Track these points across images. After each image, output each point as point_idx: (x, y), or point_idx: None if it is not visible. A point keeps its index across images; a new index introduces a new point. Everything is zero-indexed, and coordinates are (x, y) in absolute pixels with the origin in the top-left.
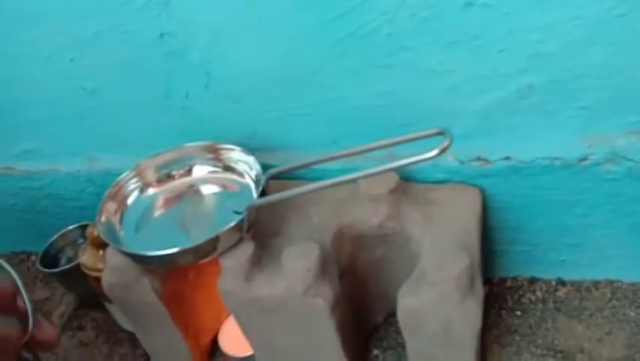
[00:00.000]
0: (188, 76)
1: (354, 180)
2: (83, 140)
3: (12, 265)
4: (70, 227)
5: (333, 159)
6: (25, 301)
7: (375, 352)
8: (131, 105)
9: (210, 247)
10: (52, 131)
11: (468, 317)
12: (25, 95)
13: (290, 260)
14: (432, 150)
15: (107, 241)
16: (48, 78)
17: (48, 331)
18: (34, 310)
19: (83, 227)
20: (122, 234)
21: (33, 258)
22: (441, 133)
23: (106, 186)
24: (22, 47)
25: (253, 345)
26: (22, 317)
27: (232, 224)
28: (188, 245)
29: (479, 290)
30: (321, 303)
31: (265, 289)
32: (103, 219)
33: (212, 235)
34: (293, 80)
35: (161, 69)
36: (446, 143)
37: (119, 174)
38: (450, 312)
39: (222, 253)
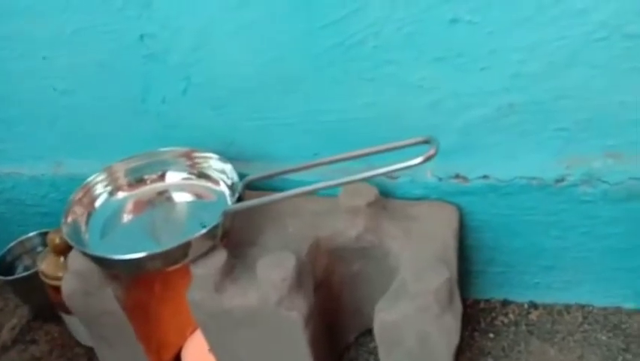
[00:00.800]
0: (167, 80)
1: (334, 187)
2: (51, 142)
3: None
4: (30, 234)
5: (313, 166)
6: None
7: None
8: (104, 108)
9: (181, 253)
10: (18, 132)
11: (446, 331)
12: None
13: (265, 269)
14: (416, 157)
15: (72, 243)
16: (19, 76)
17: None
18: None
19: (43, 235)
20: (87, 237)
21: None
22: (426, 142)
23: (70, 192)
24: None
25: (219, 360)
26: None
27: (205, 230)
28: (158, 250)
29: (458, 305)
30: (295, 316)
31: (237, 300)
32: (69, 220)
33: (183, 240)
34: (276, 88)
35: (138, 72)
36: (432, 151)
37: (85, 181)
38: (428, 326)
39: (193, 261)
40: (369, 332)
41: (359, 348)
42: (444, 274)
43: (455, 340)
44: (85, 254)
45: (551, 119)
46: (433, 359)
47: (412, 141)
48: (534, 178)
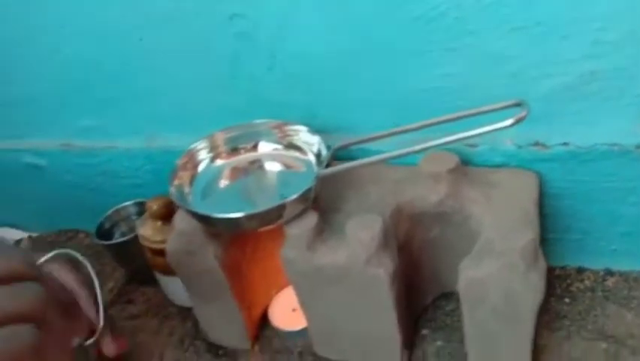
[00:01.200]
0: (254, 57)
1: (421, 151)
2: (145, 118)
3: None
4: (126, 203)
5: (400, 132)
6: (99, 300)
7: (424, 331)
8: (195, 85)
9: (276, 214)
10: (114, 109)
11: (531, 288)
12: (92, 73)
13: (354, 229)
14: (507, 119)
15: (179, 203)
16: (116, 57)
17: (109, 346)
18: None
19: (137, 204)
20: (190, 199)
21: (81, 235)
22: (518, 104)
23: (164, 163)
24: (92, 26)
25: (308, 317)
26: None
27: (299, 193)
28: (256, 210)
29: (542, 264)
30: (382, 273)
31: (327, 258)
32: (176, 182)
33: (280, 202)
34: (356, 63)
35: (228, 50)
36: (523, 113)
37: (177, 153)
38: (513, 283)
39: (287, 222)
40: (445, 295)
41: (436, 310)
42: (529, 233)
43: (540, 297)
44: (191, 213)
45: (632, 86)
46: (517, 316)
47: (502, 104)
48: (614, 144)
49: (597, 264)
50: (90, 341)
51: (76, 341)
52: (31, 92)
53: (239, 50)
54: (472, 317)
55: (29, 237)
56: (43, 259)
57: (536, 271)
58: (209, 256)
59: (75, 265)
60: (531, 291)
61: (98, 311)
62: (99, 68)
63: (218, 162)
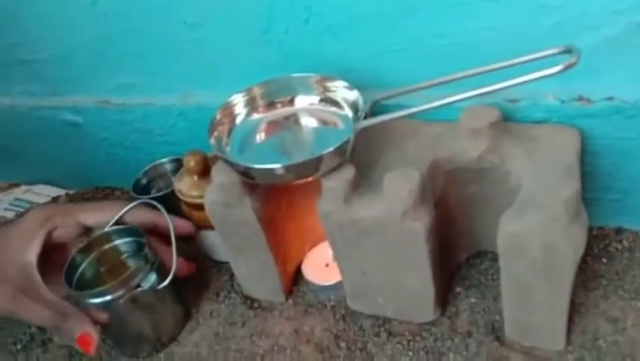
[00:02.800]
0: (289, 10)
1: (464, 100)
2: (179, 75)
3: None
4: (162, 160)
5: (440, 84)
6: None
7: (458, 289)
8: (229, 40)
9: (313, 166)
10: (149, 66)
11: (574, 241)
12: (126, 30)
13: (392, 182)
14: (554, 66)
15: (219, 154)
16: (150, 12)
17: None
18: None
19: (173, 161)
20: (228, 150)
21: (117, 193)
22: (568, 51)
23: (198, 121)
24: None
25: (343, 270)
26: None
27: (337, 145)
28: (293, 162)
29: (584, 217)
30: (418, 227)
31: (364, 211)
32: (215, 134)
33: (316, 154)
34: (393, 14)
35: (262, 3)
36: (573, 60)
37: (212, 110)
38: (555, 236)
39: (323, 175)
40: (479, 253)
41: (470, 268)
42: (572, 186)
43: (581, 251)
44: (230, 164)
45: None
46: (556, 270)
47: (551, 51)
48: None
49: (637, 225)
50: (168, 281)
51: None
52: (67, 48)
53: (273, 2)
54: (510, 270)
55: (66, 194)
56: (132, 205)
57: (579, 224)
58: (247, 208)
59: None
60: (572, 245)
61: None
62: (133, 24)
63: (255, 115)
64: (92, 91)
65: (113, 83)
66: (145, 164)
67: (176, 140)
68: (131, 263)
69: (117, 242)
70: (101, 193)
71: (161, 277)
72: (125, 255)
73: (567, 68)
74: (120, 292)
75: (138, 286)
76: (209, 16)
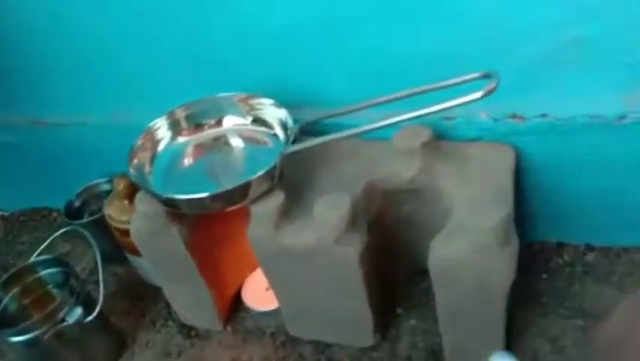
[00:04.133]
0: (221, 29)
1: (391, 125)
2: (111, 93)
3: None
4: (95, 181)
5: (369, 106)
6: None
7: (399, 310)
8: (161, 58)
9: (241, 193)
10: (80, 83)
11: (504, 267)
12: (58, 48)
13: (322, 209)
14: (476, 92)
15: (139, 184)
16: (81, 30)
17: None
18: None
19: (108, 182)
20: (151, 179)
21: (55, 214)
22: (487, 76)
23: (132, 139)
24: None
25: (279, 297)
26: None
27: (264, 171)
28: (220, 190)
29: (515, 242)
30: (351, 252)
31: (295, 238)
32: (135, 161)
33: (243, 180)
34: (327, 30)
35: (194, 21)
36: (493, 85)
37: (145, 127)
38: (485, 262)
39: (253, 201)
40: (419, 272)
41: (411, 287)
42: (502, 210)
43: (511, 277)
44: (153, 195)
45: (615, 54)
46: (488, 295)
47: (471, 76)
48: (595, 116)
49: (577, 239)
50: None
51: None
52: None
53: (205, 18)
54: (443, 296)
55: (2, 216)
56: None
57: (508, 249)
58: (174, 236)
59: None
60: (503, 271)
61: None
62: (65, 41)
63: (180, 139)
64: (25, 110)
65: (45, 100)
66: (81, 183)
67: (111, 158)
68: (58, 295)
69: (42, 273)
70: (37, 214)
71: (89, 309)
72: (51, 286)
73: (487, 93)
74: (44, 328)
75: (63, 320)
76: (138, 33)
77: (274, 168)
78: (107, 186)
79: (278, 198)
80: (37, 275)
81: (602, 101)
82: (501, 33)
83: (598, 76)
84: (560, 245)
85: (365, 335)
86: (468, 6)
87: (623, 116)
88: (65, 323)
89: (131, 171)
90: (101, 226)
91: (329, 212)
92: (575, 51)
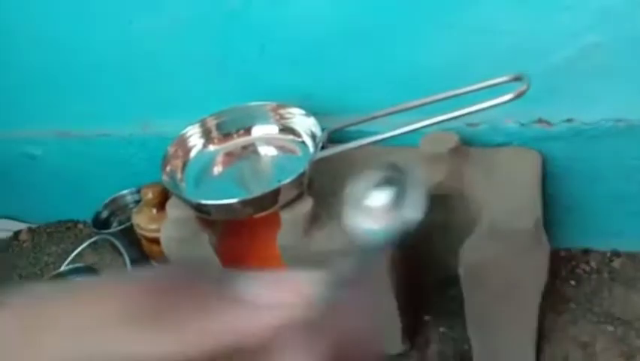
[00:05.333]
0: (245, 38)
1: (419, 129)
2: (138, 104)
3: None
4: (123, 192)
5: (397, 111)
6: None
7: (427, 318)
8: (187, 69)
9: (271, 199)
10: (108, 96)
11: (536, 270)
12: (83, 59)
13: None
14: (507, 94)
15: (172, 190)
16: (107, 42)
17: None
18: None
19: (135, 193)
20: (183, 185)
21: (80, 226)
22: (518, 78)
23: (158, 150)
24: (80, 9)
25: None
26: None
27: (293, 177)
28: (250, 196)
29: (546, 245)
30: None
31: (324, 244)
32: (168, 169)
33: (273, 187)
34: (351, 41)
35: (219, 32)
36: (524, 87)
37: (172, 139)
38: (516, 266)
39: (282, 208)
40: (448, 280)
41: (439, 295)
42: (532, 215)
43: (543, 281)
44: (184, 200)
45: (638, 58)
46: (519, 300)
47: (502, 79)
48: (620, 120)
49: (603, 245)
50: None
51: None
52: (24, 79)
53: (230, 31)
54: (473, 301)
55: (29, 228)
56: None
57: (539, 254)
58: (204, 243)
59: None
60: (534, 274)
61: None
62: (90, 53)
63: (211, 147)
64: (50, 122)
65: (70, 113)
66: (107, 196)
67: (137, 170)
68: None
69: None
70: (63, 226)
71: None
72: None
73: (518, 96)
74: None
75: None
76: (165, 45)
77: (303, 174)
78: (133, 197)
79: (307, 205)
80: None
81: (627, 104)
82: (525, 40)
83: (622, 80)
84: (586, 252)
85: (393, 343)
86: (492, 14)
87: None
88: None
89: (164, 177)
90: (129, 237)
91: None
92: (598, 56)
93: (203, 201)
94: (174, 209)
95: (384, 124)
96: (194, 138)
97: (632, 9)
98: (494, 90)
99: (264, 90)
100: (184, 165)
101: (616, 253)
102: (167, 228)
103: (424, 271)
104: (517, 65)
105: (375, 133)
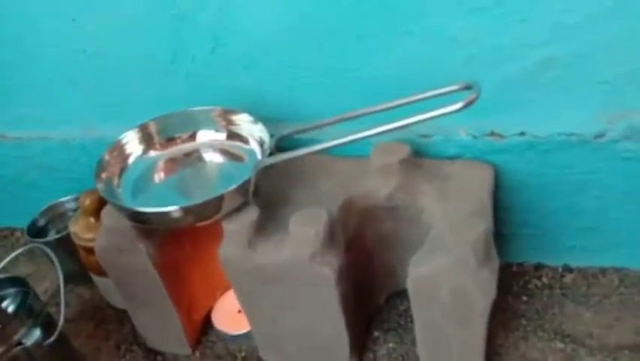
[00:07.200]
0: (195, 39)
1: (369, 137)
2: (80, 106)
3: None
4: (62, 199)
5: (347, 119)
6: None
7: (376, 333)
8: (133, 70)
9: (214, 207)
10: (47, 97)
11: (483, 285)
12: (21, 58)
13: (297, 225)
14: (457, 102)
15: (106, 198)
16: (48, 40)
17: None
18: None
19: (75, 200)
20: (120, 193)
21: (18, 234)
22: (468, 87)
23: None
24: (20, 4)
25: (251, 319)
26: None
27: (238, 184)
28: (191, 203)
29: (495, 260)
30: (327, 272)
31: (269, 257)
32: (103, 176)
33: (216, 194)
34: (304, 46)
35: (167, 32)
36: (473, 96)
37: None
38: (464, 279)
39: (225, 217)
40: (399, 293)
41: (389, 310)
42: (481, 226)
43: (492, 295)
44: (120, 208)
45: (592, 72)
46: (468, 315)
47: (451, 88)
48: (573, 134)
49: (555, 260)
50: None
51: None
52: None
53: (179, 31)
54: (422, 316)
55: None
56: (18, 251)
57: (488, 267)
58: (141, 254)
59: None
60: (482, 288)
61: None
62: (28, 50)
63: (152, 153)
64: None
65: (7, 115)
66: (47, 202)
67: (79, 176)
68: (14, 315)
69: None
70: (0, 234)
71: (49, 331)
72: (8, 307)
73: (468, 104)
74: None
75: (19, 343)
76: (110, 45)
77: (248, 181)
78: (73, 205)
79: (252, 214)
80: None
81: (580, 119)
82: (478, 51)
83: (576, 94)
84: (538, 267)
85: (341, 359)
86: (448, 23)
87: (601, 135)
88: (21, 346)
89: (99, 185)
90: (67, 246)
91: (304, 228)
92: (551, 70)
93: (140, 209)
94: (109, 217)
95: (335, 133)
96: (134, 144)
97: (586, 24)
98: (446, 100)
99: (213, 94)
100: (121, 171)
101: (568, 269)
102: (102, 237)
103: (374, 285)
104: (471, 75)
105: (325, 141)
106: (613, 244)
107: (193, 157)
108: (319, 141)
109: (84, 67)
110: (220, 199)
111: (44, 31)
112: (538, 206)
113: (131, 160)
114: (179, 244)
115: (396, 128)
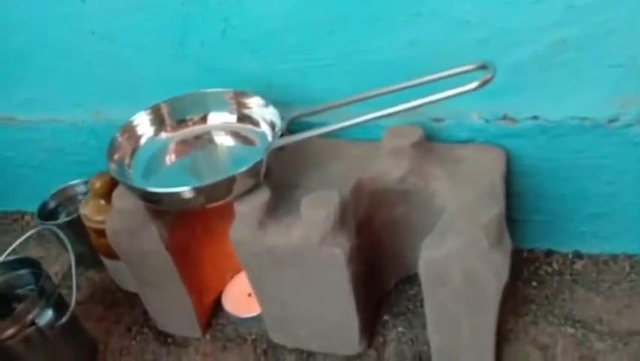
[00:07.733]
0: (205, 22)
1: (382, 117)
2: (89, 89)
3: None
4: (72, 182)
5: (358, 100)
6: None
7: (386, 317)
8: (142, 52)
9: (225, 189)
10: (57, 79)
11: (496, 268)
12: (31, 40)
13: (309, 207)
14: (472, 82)
15: (118, 178)
16: (57, 22)
17: None
18: None
19: (85, 183)
20: (131, 174)
21: (27, 218)
22: (483, 67)
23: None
24: None
25: (261, 301)
26: None
27: (249, 165)
28: (202, 184)
29: (507, 243)
30: (338, 253)
31: (280, 238)
32: (116, 156)
33: (228, 175)
34: (313, 29)
35: (177, 14)
36: (489, 75)
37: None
38: (476, 262)
39: (237, 198)
40: (408, 278)
41: (399, 294)
42: (493, 209)
43: (504, 278)
44: (132, 189)
45: (605, 55)
46: (479, 297)
47: (466, 67)
48: (586, 118)
49: (566, 246)
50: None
51: None
52: None
53: (189, 14)
54: (433, 299)
55: None
56: (30, 233)
57: (501, 250)
58: (153, 236)
59: None
60: (494, 271)
61: None
62: (38, 33)
63: (164, 135)
64: None
65: (17, 98)
66: (56, 185)
67: (88, 159)
68: (27, 296)
69: (12, 274)
70: (9, 218)
71: (60, 312)
72: (20, 289)
73: (483, 84)
74: (10, 332)
75: (33, 323)
76: (120, 27)
77: (260, 162)
78: (84, 188)
79: (263, 196)
80: (7, 276)
81: (593, 103)
82: (489, 34)
83: (588, 78)
84: (549, 253)
85: (350, 343)
86: (460, 4)
87: (614, 119)
88: (35, 327)
89: (111, 165)
90: (77, 229)
91: (316, 209)
92: (563, 53)
93: (152, 190)
94: (121, 199)
95: (347, 115)
96: (145, 125)
97: (599, 6)
98: (460, 80)
99: (224, 77)
100: (133, 152)
101: (578, 255)
102: (113, 219)
103: (384, 269)
104: (483, 57)
105: (337, 123)
106: (624, 230)
107: (204, 139)
108: (331, 123)
109: (93, 49)
110: (232, 180)
111: (53, 13)
112: (549, 191)
113: (142, 141)
114: (190, 226)
115: (410, 109)
